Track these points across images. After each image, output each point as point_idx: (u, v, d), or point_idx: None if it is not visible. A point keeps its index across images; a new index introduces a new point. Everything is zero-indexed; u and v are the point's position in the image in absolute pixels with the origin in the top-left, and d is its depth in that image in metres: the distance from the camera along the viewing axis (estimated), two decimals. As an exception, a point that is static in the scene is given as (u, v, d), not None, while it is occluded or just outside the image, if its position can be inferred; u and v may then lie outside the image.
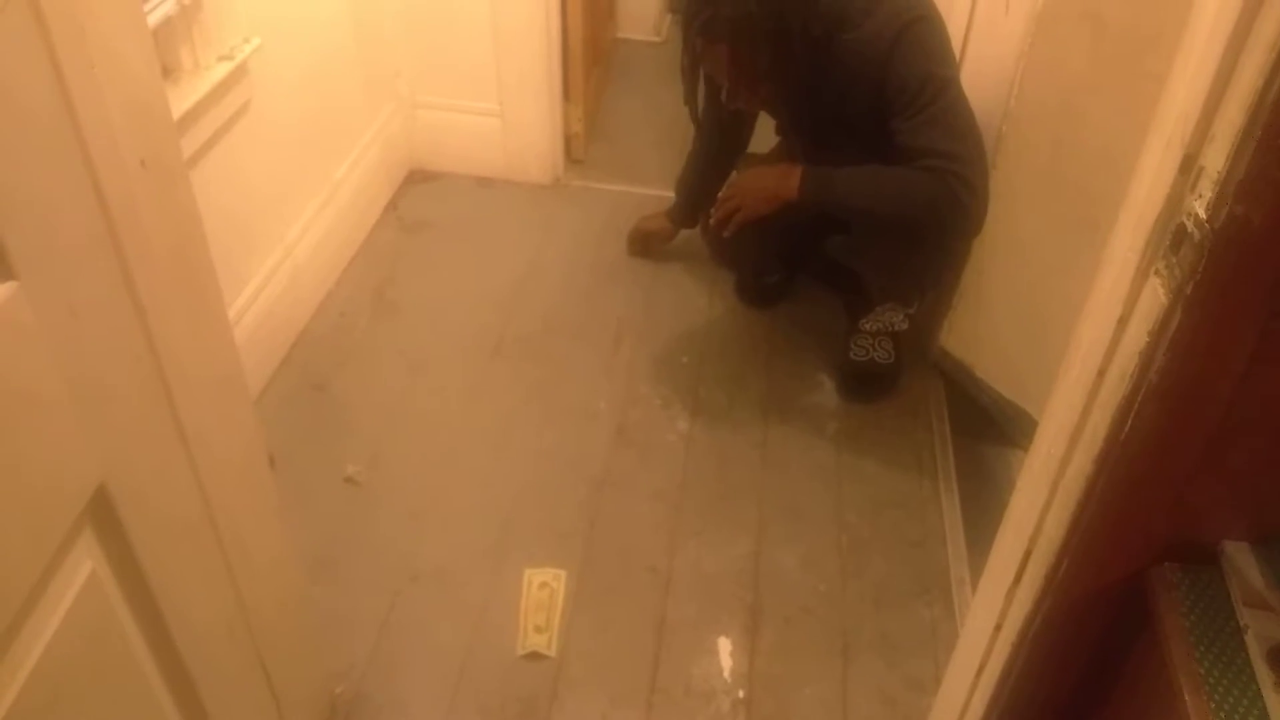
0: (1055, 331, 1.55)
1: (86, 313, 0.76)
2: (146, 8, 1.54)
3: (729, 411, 2.08)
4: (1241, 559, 0.80)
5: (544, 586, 1.72)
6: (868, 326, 2.09)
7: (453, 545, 1.78)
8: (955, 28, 2.04)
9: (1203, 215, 0.65)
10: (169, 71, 1.71)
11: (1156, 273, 0.71)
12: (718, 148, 2.21)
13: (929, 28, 1.71)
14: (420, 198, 2.69)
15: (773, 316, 2.33)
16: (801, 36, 1.72)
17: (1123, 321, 0.75)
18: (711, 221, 1.99)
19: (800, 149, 2.02)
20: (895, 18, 1.70)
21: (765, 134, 2.19)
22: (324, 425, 2.01)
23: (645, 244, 2.46)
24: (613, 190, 2.74)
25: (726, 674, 1.60)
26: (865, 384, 2.12)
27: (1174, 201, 0.69)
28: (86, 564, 0.80)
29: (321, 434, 1.98)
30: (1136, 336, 0.73)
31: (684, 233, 2.42)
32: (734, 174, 2.00)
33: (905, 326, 2.08)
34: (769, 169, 1.93)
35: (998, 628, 0.99)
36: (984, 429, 2.02)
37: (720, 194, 1.99)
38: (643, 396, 2.11)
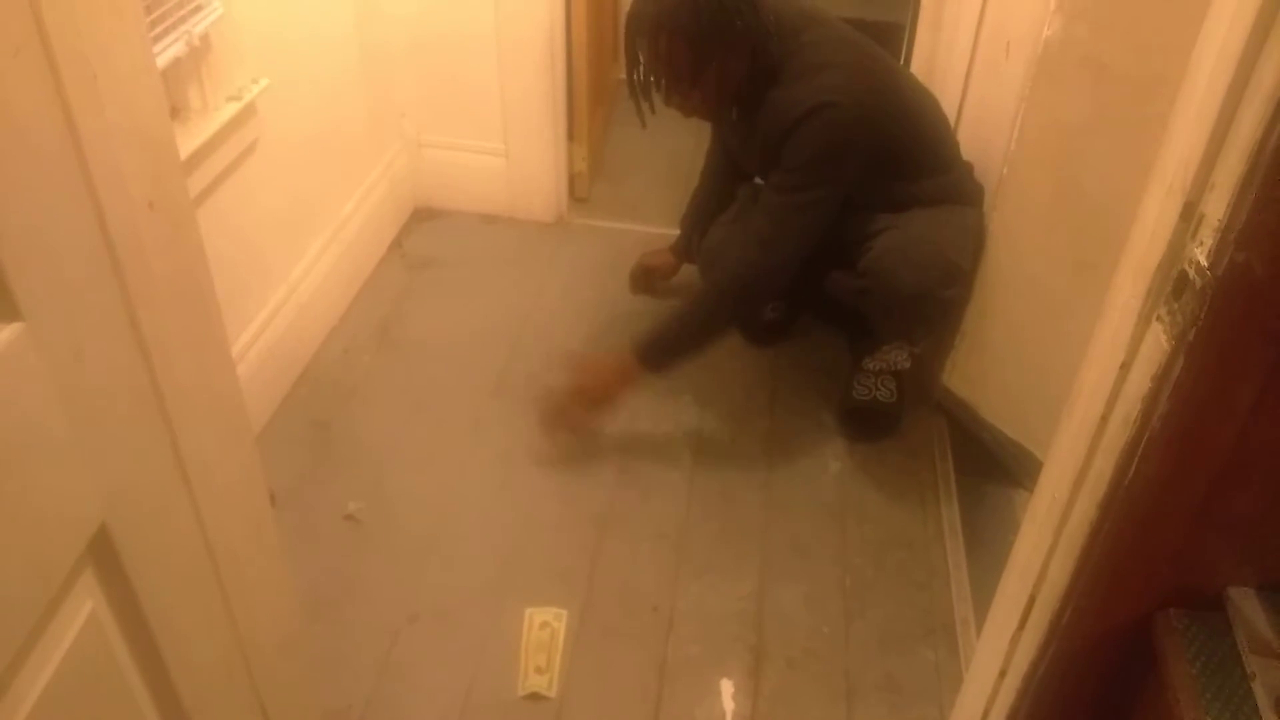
0: (1058, 371, 1.55)
1: (91, 354, 0.76)
2: (156, 48, 1.56)
3: (732, 450, 2.08)
4: (1247, 605, 0.80)
5: (545, 626, 1.71)
6: (871, 365, 2.09)
7: (453, 585, 1.77)
8: (956, 69, 2.07)
9: (1204, 262, 0.66)
10: (177, 111, 1.72)
11: (1159, 319, 0.71)
12: (723, 178, 2.23)
13: (838, 116, 1.75)
14: (425, 235, 2.71)
15: (775, 355, 2.33)
16: (736, 60, 1.79)
17: (1125, 367, 0.75)
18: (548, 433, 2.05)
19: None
20: (815, 94, 1.75)
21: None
22: (326, 462, 2.00)
23: (648, 280, 2.47)
24: (616, 228, 2.76)
25: (729, 717, 1.59)
26: (868, 423, 2.12)
27: (1175, 248, 0.70)
28: (87, 604, 0.80)
29: (323, 471, 1.98)
30: (1139, 382, 0.73)
31: (687, 271, 2.42)
32: (572, 389, 2.02)
33: (908, 365, 2.08)
34: (599, 367, 1.99)
35: (1002, 673, 0.98)
36: (988, 468, 2.02)
37: (553, 405, 2.03)
38: (645, 434, 2.10)
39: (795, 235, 1.83)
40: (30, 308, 0.68)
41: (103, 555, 0.80)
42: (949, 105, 2.08)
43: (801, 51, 1.80)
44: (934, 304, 1.88)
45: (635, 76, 1.88)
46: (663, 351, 1.94)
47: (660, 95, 1.90)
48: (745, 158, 2.07)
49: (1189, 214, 0.68)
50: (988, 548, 1.85)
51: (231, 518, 1.03)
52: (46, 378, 0.71)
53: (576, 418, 2.03)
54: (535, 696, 1.60)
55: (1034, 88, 1.71)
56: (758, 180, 2.07)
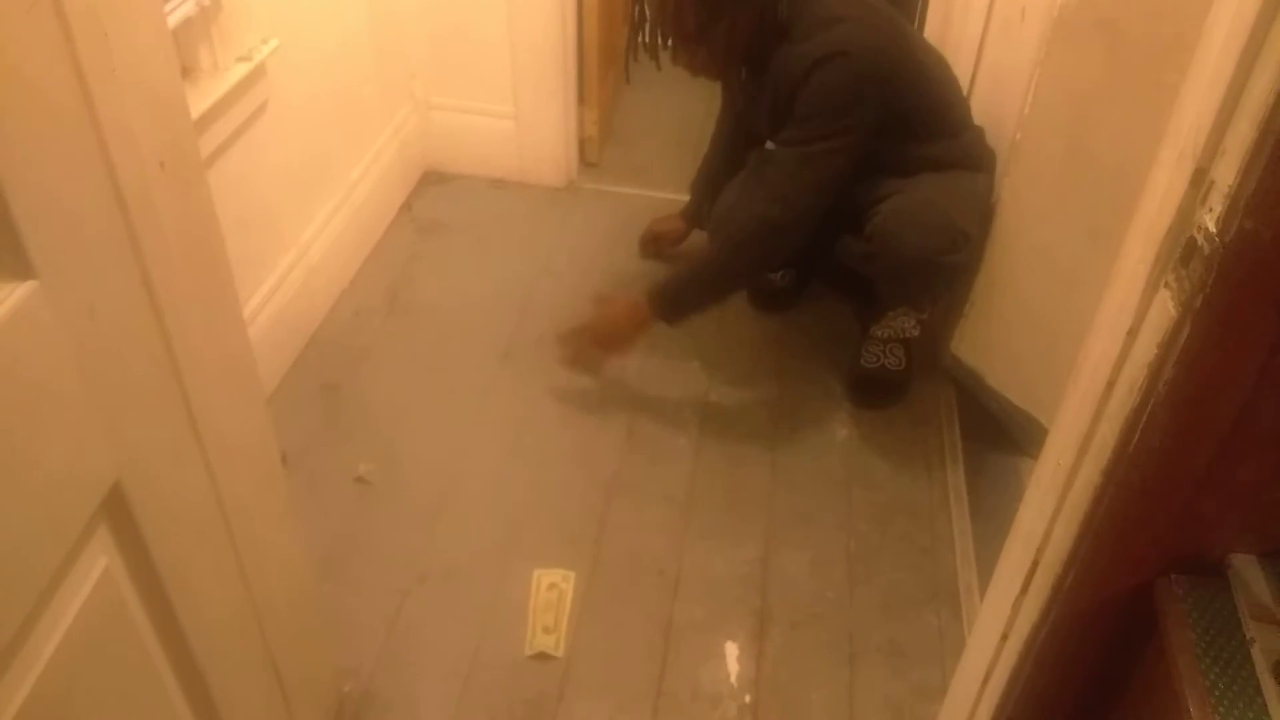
0: (1066, 340, 1.55)
1: (105, 312, 0.77)
2: (166, 9, 1.56)
3: (739, 416, 2.09)
4: (1248, 572, 0.80)
5: (553, 588, 1.73)
6: (879, 333, 2.09)
7: (462, 546, 1.79)
8: (971, 34, 2.05)
9: (1213, 229, 0.66)
10: (188, 72, 1.72)
11: (1166, 285, 0.71)
12: (734, 144, 2.22)
13: (847, 65, 1.74)
14: (435, 199, 2.71)
15: (783, 322, 2.33)
16: (744, 19, 1.78)
17: (1132, 333, 0.75)
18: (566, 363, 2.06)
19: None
20: (825, 46, 1.74)
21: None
22: (336, 425, 2.02)
23: (658, 246, 2.47)
24: (626, 193, 2.75)
25: (733, 679, 1.61)
26: (876, 390, 2.12)
27: (1185, 214, 0.70)
28: (101, 560, 0.81)
29: (333, 433, 2.00)
30: (1146, 348, 0.73)
31: (696, 236, 2.41)
32: (585, 327, 2.05)
33: (917, 333, 2.08)
34: (615, 310, 2.00)
35: (1004, 637, 0.99)
36: (994, 436, 2.02)
37: (567, 337, 2.04)
38: (653, 399, 2.11)
39: (810, 189, 1.82)
40: (44, 266, 0.68)
41: (117, 513, 0.82)
42: (963, 69, 2.06)
43: (811, 6, 1.79)
44: (938, 269, 1.88)
45: (641, 34, 1.87)
46: (675, 301, 1.94)
47: (667, 53, 1.89)
48: (754, 119, 2.05)
49: (1199, 180, 0.68)
50: (993, 515, 1.86)
51: (244, 477, 1.04)
52: (60, 336, 0.71)
53: (590, 357, 2.05)
54: (542, 656, 1.62)
55: (1048, 52, 1.69)
56: (769, 145, 2.05)
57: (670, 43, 1.87)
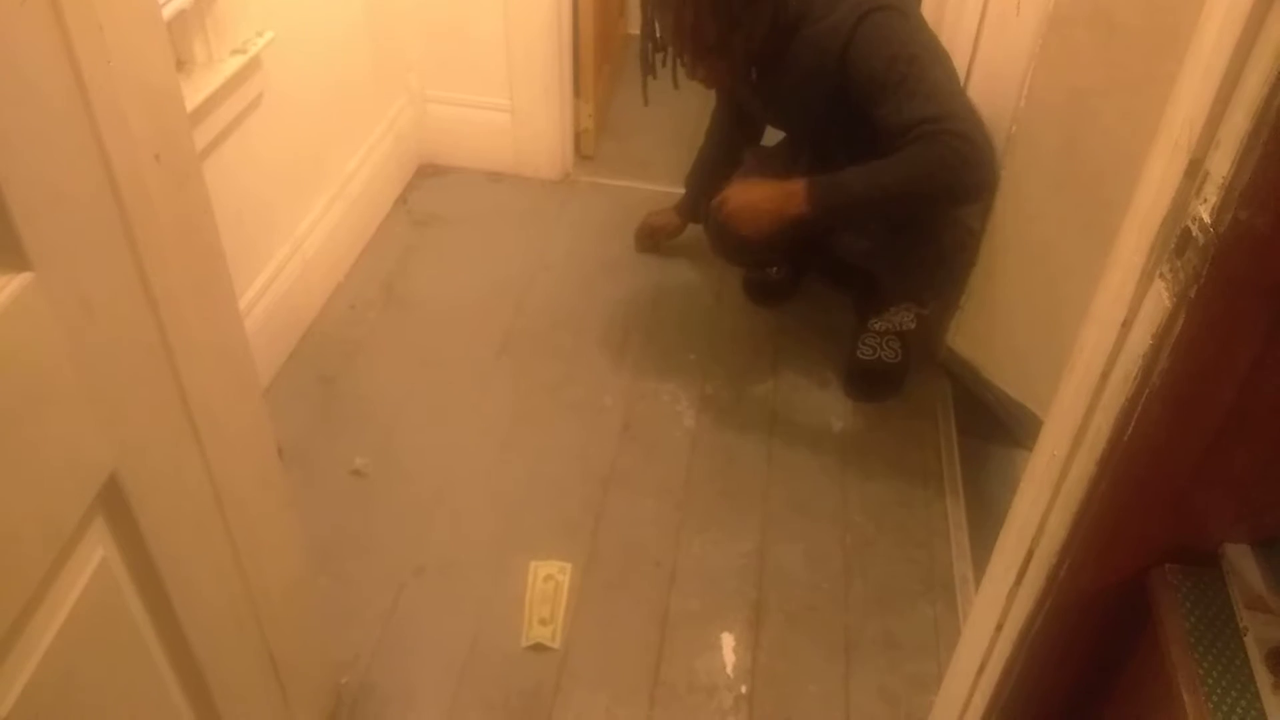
0: (1063, 333, 1.55)
1: (100, 304, 0.77)
2: (160, 1, 1.55)
3: (735, 408, 2.09)
4: (1242, 561, 0.81)
5: (549, 579, 1.73)
6: (876, 325, 2.09)
7: (458, 538, 1.79)
8: (966, 27, 2.04)
9: (1207, 220, 0.66)
10: (182, 64, 1.72)
11: (1161, 276, 0.72)
12: (730, 139, 2.21)
13: (884, 17, 1.68)
14: (430, 192, 2.70)
15: (780, 314, 2.33)
16: (763, 21, 1.73)
17: (1126, 324, 0.75)
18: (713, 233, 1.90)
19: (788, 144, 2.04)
20: (852, 12, 1.69)
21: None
22: (332, 417, 2.02)
23: (653, 239, 2.47)
24: (622, 186, 2.75)
25: (729, 670, 1.61)
26: (872, 383, 2.13)
27: (1179, 205, 0.70)
28: (98, 551, 0.81)
29: (330, 426, 2.00)
30: (1140, 339, 0.73)
31: (692, 230, 2.42)
32: (728, 188, 1.90)
33: (913, 326, 2.08)
34: (768, 186, 1.82)
35: (999, 627, 0.99)
36: (990, 429, 2.03)
37: (715, 206, 1.88)
38: (649, 392, 2.11)
39: (945, 94, 1.68)
40: (39, 257, 0.68)
41: (113, 504, 0.82)
42: (958, 63, 2.05)
43: None
44: (944, 266, 1.88)
45: (652, 49, 1.84)
46: (837, 190, 1.74)
47: (684, 69, 1.85)
48: (773, 113, 2.03)
49: (1194, 171, 0.68)
50: (988, 507, 1.87)
51: (240, 468, 1.04)
52: (56, 327, 0.71)
53: (732, 232, 1.87)
54: (539, 647, 1.62)
55: (1044, 46, 1.69)
56: (791, 146, 2.03)
57: (687, 59, 1.82)
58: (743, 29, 1.75)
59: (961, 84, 1.92)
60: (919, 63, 1.67)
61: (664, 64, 1.87)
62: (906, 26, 1.71)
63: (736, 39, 1.76)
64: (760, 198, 1.81)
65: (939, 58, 1.77)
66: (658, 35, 1.84)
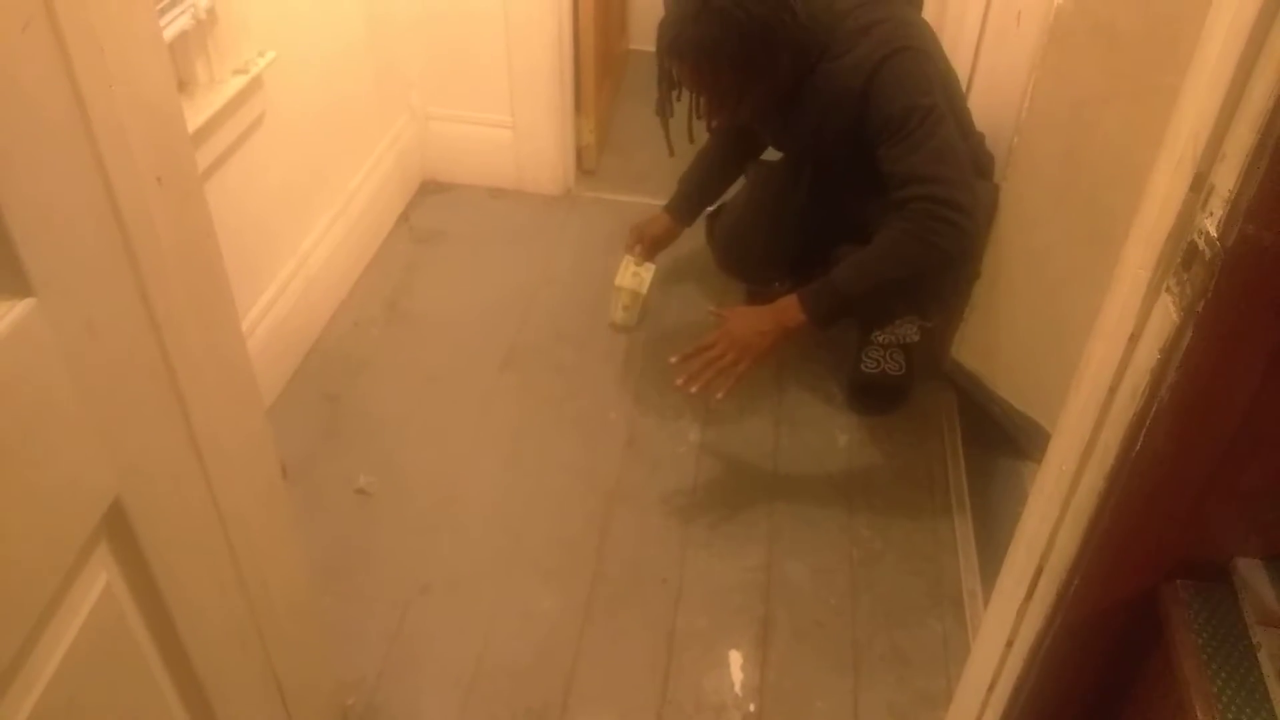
0: (1068, 343, 1.55)
1: (103, 328, 0.77)
2: (162, 22, 1.56)
3: (740, 422, 2.08)
4: (1254, 576, 0.80)
5: (635, 275, 2.11)
6: (879, 338, 2.09)
7: (463, 556, 1.78)
8: (966, 39, 2.05)
9: (1214, 234, 0.65)
10: (184, 85, 1.72)
11: (1168, 290, 0.71)
12: (731, 149, 2.20)
13: (909, 58, 1.71)
14: (433, 208, 2.71)
15: (784, 328, 2.32)
16: (784, 68, 1.74)
17: (1134, 338, 0.75)
18: (689, 385, 1.79)
19: (798, 168, 2.03)
20: (876, 50, 1.71)
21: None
22: (336, 436, 2.01)
23: (657, 248, 2.31)
24: (623, 201, 2.75)
25: (737, 687, 1.60)
26: (877, 396, 2.12)
27: (1185, 219, 0.69)
28: (102, 576, 0.80)
29: (334, 444, 1.99)
30: (1148, 354, 0.73)
31: (696, 244, 2.41)
32: (720, 319, 1.85)
33: (917, 338, 2.07)
34: (758, 311, 1.82)
35: (1009, 644, 0.98)
36: (996, 441, 2.02)
37: (706, 344, 1.80)
38: (653, 407, 2.11)
39: (951, 158, 1.71)
40: (42, 283, 0.68)
41: (117, 528, 0.81)
42: (959, 75, 2.06)
43: (843, 20, 1.76)
44: (949, 278, 1.87)
45: (671, 97, 1.84)
46: (834, 295, 1.76)
47: (700, 118, 1.86)
48: (788, 139, 2.03)
49: (1199, 185, 0.68)
50: (996, 520, 1.86)
51: (243, 490, 1.04)
52: (59, 352, 0.71)
53: (730, 369, 1.79)
54: (614, 326, 2.10)
55: (1045, 57, 1.69)
56: (792, 167, 2.04)
57: (705, 108, 1.83)
58: (763, 79, 1.75)
59: (970, 117, 1.94)
60: (934, 115, 1.69)
61: (671, 114, 1.88)
62: (928, 71, 1.73)
63: (756, 88, 1.76)
64: (760, 324, 1.80)
65: (953, 100, 1.80)
66: (676, 84, 1.83)
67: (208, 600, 0.99)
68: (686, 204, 2.26)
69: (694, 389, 1.77)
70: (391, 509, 1.87)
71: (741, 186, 2.25)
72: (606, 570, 1.77)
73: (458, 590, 1.73)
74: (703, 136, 2.00)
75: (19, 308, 0.67)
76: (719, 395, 1.78)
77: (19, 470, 0.68)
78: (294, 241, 2.14)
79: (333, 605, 1.68)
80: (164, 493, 0.89)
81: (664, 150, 2.02)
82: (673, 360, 1.83)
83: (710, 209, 2.30)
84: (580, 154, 2.81)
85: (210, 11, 1.69)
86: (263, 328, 2.00)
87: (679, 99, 1.87)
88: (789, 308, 1.79)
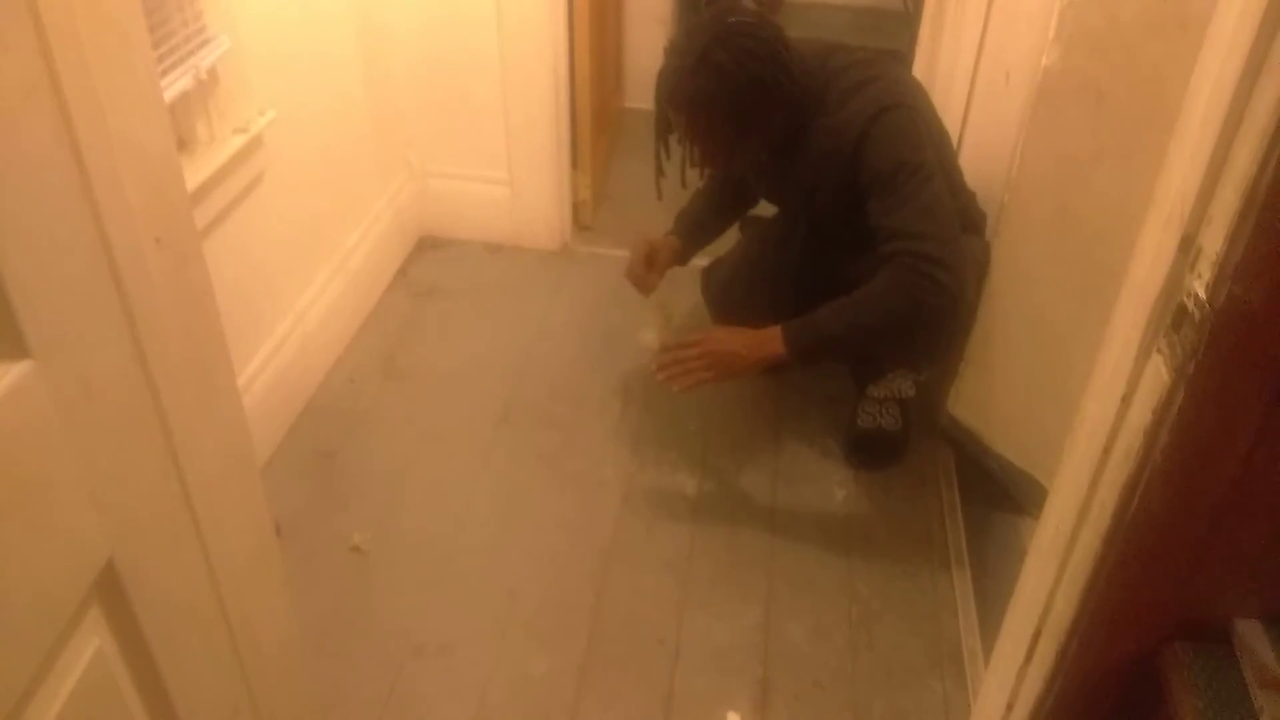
0: (1063, 398, 1.55)
1: (99, 390, 0.77)
2: (163, 82, 1.58)
3: (737, 479, 2.08)
4: (1253, 637, 0.79)
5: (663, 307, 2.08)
6: (875, 393, 2.09)
7: (457, 617, 1.77)
8: (956, 97, 2.08)
9: (1202, 295, 0.66)
10: (184, 144, 1.74)
11: (1159, 351, 0.72)
12: (729, 196, 2.21)
13: (901, 115, 1.74)
14: (430, 264, 2.72)
15: (779, 383, 2.33)
16: (777, 122, 1.77)
17: (1126, 399, 0.75)
18: (658, 372, 1.86)
19: (790, 220, 2.05)
20: (868, 106, 1.74)
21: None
22: (331, 493, 2.00)
23: (666, 265, 2.21)
24: (620, 256, 2.74)
25: (735, 748, 1.58)
26: (873, 451, 2.12)
27: (1174, 280, 0.70)
28: (93, 641, 0.80)
29: (329, 502, 1.98)
30: (1140, 414, 0.73)
31: (692, 300, 2.42)
32: (714, 333, 1.90)
33: (913, 393, 2.08)
34: (744, 332, 1.85)
35: (1010, 707, 0.97)
36: (994, 496, 2.01)
37: (687, 344, 1.85)
38: (650, 464, 2.10)
39: (941, 214, 1.72)
40: (39, 345, 0.68)
41: (109, 592, 0.80)
42: (950, 133, 2.09)
43: (836, 79, 1.79)
44: (939, 333, 1.88)
45: (668, 142, 1.87)
46: (815, 333, 1.78)
47: (694, 167, 1.89)
48: (781, 194, 2.05)
49: (1187, 247, 0.69)
50: (995, 576, 1.85)
51: (238, 554, 1.03)
52: (55, 414, 0.71)
53: (698, 372, 1.84)
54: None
55: (1034, 116, 1.72)
56: (786, 222, 2.06)
57: (699, 159, 1.86)
58: (757, 131, 1.78)
59: (961, 175, 1.97)
60: (923, 172, 1.72)
61: (668, 158, 1.90)
62: (919, 128, 1.76)
63: (749, 140, 1.80)
64: (740, 345, 1.84)
65: (945, 158, 1.83)
66: (672, 130, 1.85)
67: (201, 666, 0.98)
68: (688, 233, 2.21)
69: (660, 377, 1.87)
70: (386, 567, 1.85)
71: (737, 242, 2.27)
72: (603, 630, 1.75)
73: (452, 652, 1.71)
74: (695, 183, 2.03)
75: (16, 370, 0.67)
76: (675, 389, 1.86)
77: (12, 533, 0.68)
78: (291, 298, 2.15)
79: (326, 666, 1.66)
80: (157, 554, 0.88)
81: (659, 205, 2.05)
82: (656, 349, 1.96)
83: (705, 265, 2.31)
84: (577, 210, 2.83)
85: (211, 71, 1.71)
86: (259, 384, 2.00)
87: (679, 143, 1.89)
88: (772, 339, 1.81)
